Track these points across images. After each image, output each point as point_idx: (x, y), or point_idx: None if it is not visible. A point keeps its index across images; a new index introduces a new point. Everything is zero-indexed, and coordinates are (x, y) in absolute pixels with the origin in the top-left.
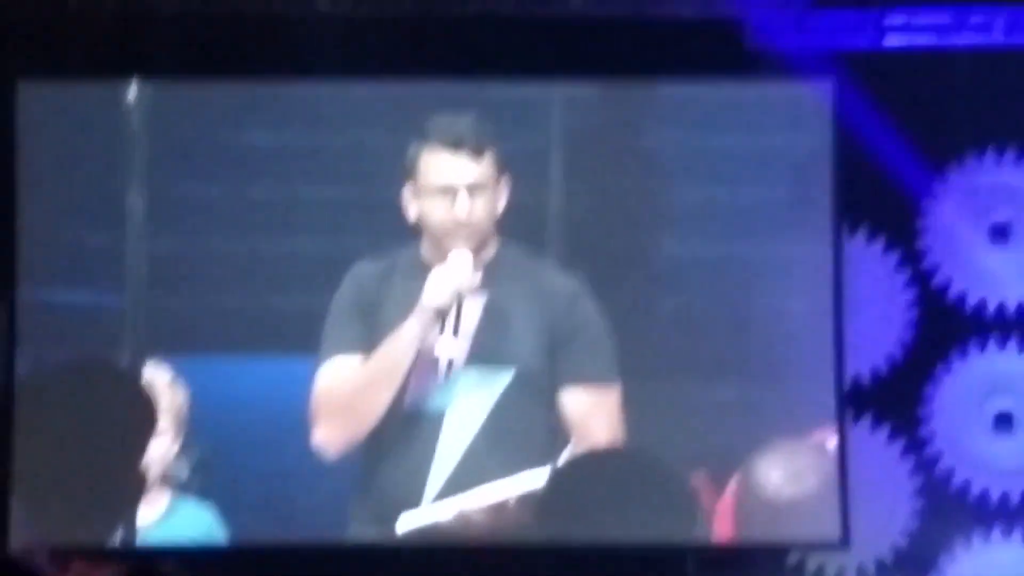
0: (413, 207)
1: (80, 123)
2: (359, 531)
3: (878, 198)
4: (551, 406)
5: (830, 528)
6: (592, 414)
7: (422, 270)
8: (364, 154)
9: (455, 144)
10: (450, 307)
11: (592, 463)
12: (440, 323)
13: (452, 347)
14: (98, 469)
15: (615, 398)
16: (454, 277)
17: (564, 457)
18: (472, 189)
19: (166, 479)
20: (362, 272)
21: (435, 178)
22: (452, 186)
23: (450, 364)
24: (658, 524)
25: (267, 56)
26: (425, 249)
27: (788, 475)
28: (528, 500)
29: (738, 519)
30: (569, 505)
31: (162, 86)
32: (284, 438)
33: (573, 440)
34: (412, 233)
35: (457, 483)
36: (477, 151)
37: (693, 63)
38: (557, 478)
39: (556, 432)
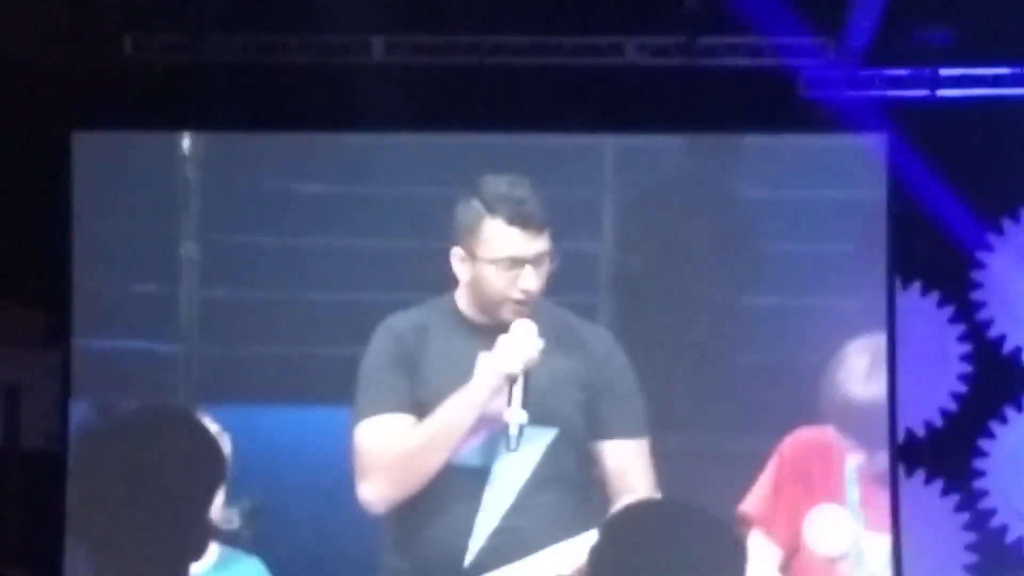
0: (466, 270)
1: (134, 174)
2: None
3: (932, 251)
4: (591, 460)
5: None
6: (632, 467)
7: (464, 327)
8: (416, 206)
9: (523, 222)
10: (518, 375)
11: (643, 516)
12: (507, 389)
13: (521, 415)
14: (161, 521)
15: (650, 450)
16: (525, 347)
17: (612, 511)
18: (535, 262)
19: (216, 531)
20: (397, 326)
21: (500, 250)
22: (518, 259)
23: (521, 430)
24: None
25: (320, 107)
26: (464, 306)
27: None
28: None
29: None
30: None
31: (216, 137)
32: (334, 490)
33: (613, 493)
34: (448, 285)
35: (500, 542)
36: (541, 228)
37: (746, 116)
38: (607, 532)
39: (598, 486)
